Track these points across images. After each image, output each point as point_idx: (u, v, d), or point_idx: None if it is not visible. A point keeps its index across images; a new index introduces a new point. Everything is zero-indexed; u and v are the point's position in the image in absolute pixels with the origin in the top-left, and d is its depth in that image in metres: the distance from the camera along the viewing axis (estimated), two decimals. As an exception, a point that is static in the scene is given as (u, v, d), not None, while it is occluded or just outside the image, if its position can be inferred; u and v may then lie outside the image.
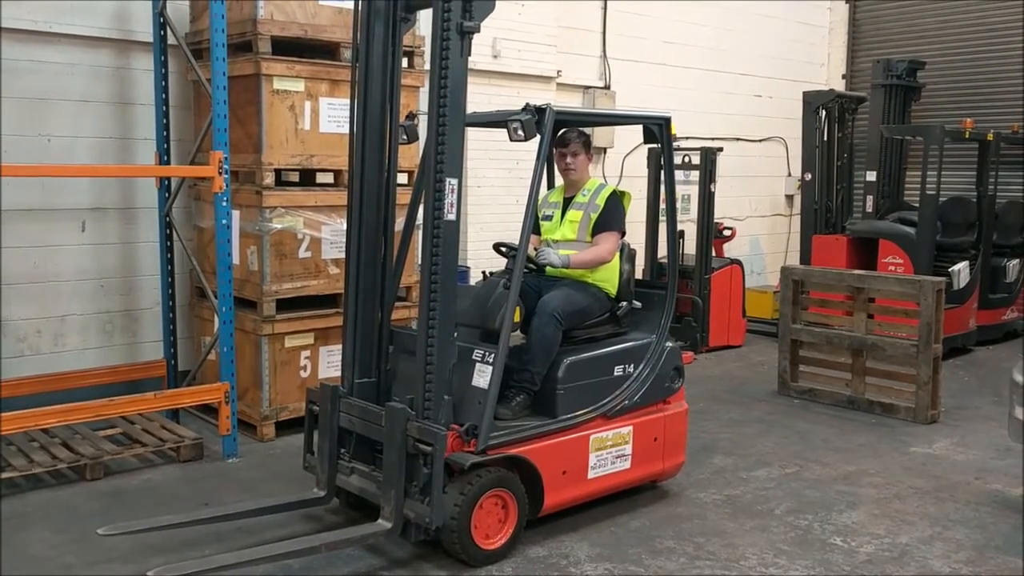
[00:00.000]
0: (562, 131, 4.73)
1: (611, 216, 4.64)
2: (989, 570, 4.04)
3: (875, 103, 9.68)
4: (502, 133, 4.20)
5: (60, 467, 4.94)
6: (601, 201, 4.64)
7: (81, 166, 5.80)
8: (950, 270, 8.41)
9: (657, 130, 4.76)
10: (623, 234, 4.71)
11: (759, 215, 10.83)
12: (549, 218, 4.80)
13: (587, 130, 4.91)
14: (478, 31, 3.96)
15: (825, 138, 9.56)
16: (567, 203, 4.76)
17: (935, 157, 8.38)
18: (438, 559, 3.98)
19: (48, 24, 5.63)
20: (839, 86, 11.30)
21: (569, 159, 4.69)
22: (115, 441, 5.38)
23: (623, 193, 4.77)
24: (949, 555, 4.19)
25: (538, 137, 4.14)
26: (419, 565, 3.96)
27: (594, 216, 4.62)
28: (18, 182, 5.54)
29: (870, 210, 9.24)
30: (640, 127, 4.89)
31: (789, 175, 10.94)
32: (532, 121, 4.08)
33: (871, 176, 9.41)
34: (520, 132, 4.06)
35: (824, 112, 9.49)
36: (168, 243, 5.97)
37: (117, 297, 6.13)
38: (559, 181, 4.99)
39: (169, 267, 5.98)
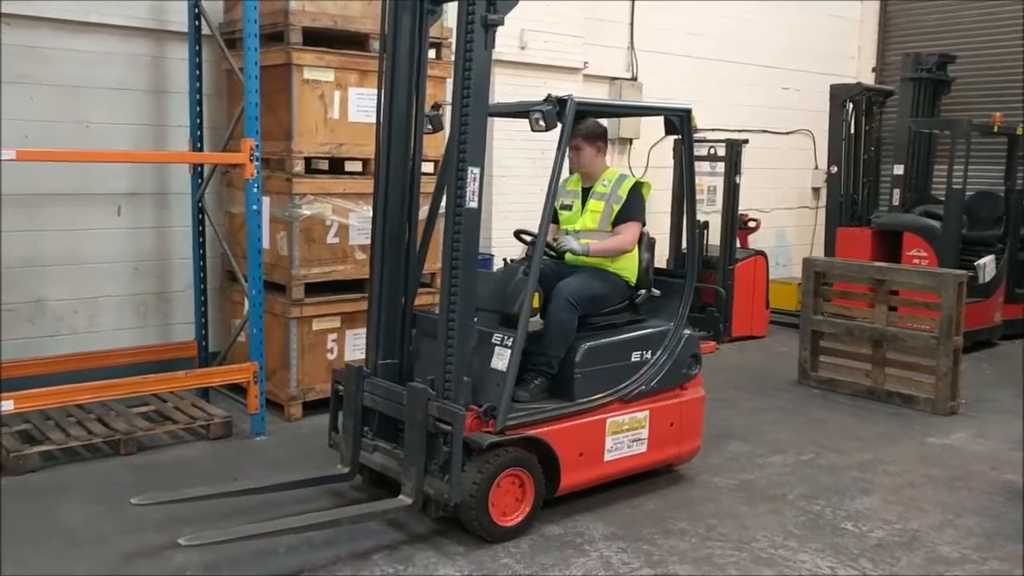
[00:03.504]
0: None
1: (633, 207, 4.73)
2: (997, 556, 4.10)
3: (904, 96, 9.66)
4: (526, 123, 4.30)
5: (95, 441, 5.13)
6: (624, 192, 4.74)
7: (117, 152, 5.98)
8: (976, 264, 8.41)
9: (678, 121, 4.84)
10: (644, 224, 4.79)
11: (785, 207, 10.85)
12: (568, 207, 4.89)
13: (602, 122, 4.97)
14: (502, 24, 4.07)
15: (852, 131, 9.57)
16: (586, 193, 4.85)
17: (962, 151, 8.37)
18: (457, 535, 4.11)
19: (87, 14, 5.80)
20: (869, 79, 11.28)
21: (571, 153, 4.77)
22: (147, 418, 5.56)
23: (644, 184, 4.85)
24: (959, 541, 4.26)
25: (559, 127, 4.24)
26: (438, 541, 4.10)
27: (616, 207, 4.72)
28: (56, 167, 5.73)
29: (897, 203, 9.24)
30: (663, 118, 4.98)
31: (816, 168, 10.94)
32: (553, 112, 4.17)
33: (899, 170, 9.41)
34: (541, 123, 4.15)
35: (851, 105, 9.49)
36: (200, 228, 6.14)
37: (151, 280, 6.32)
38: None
39: (201, 251, 6.16)
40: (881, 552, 4.12)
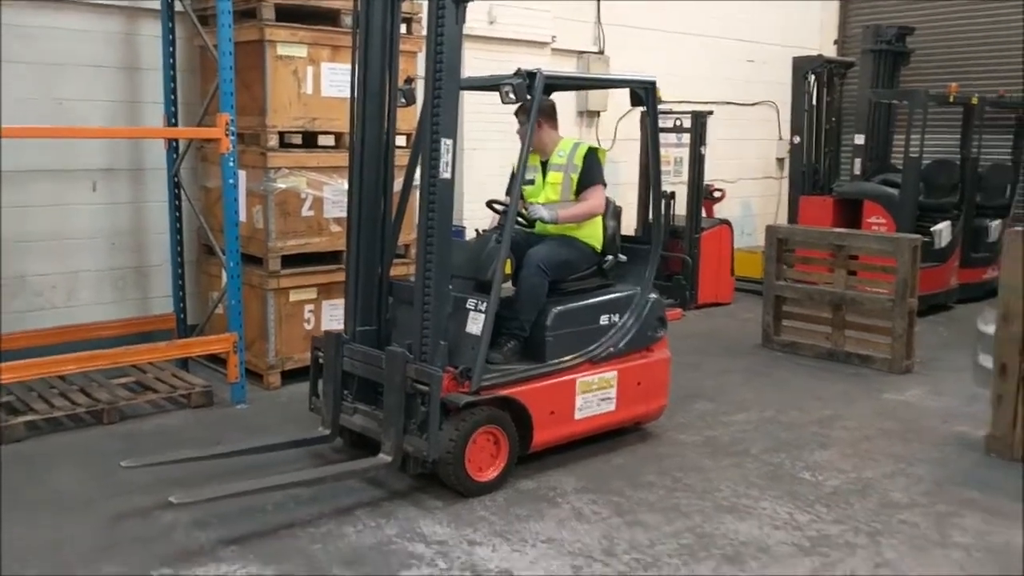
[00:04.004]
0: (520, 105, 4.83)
1: (592, 172, 4.90)
2: (944, 501, 4.36)
3: (865, 68, 9.89)
4: (496, 97, 4.44)
5: (79, 412, 5.25)
6: (579, 160, 4.90)
7: (96, 128, 6.06)
8: (932, 229, 8.69)
9: (643, 93, 5.02)
10: (605, 186, 4.97)
11: (751, 177, 11.08)
12: (531, 182, 5.02)
13: (547, 98, 5.00)
14: (472, -1, 4.21)
15: (814, 102, 9.79)
16: (544, 167, 5.01)
17: (919, 120, 8.62)
18: (435, 490, 4.30)
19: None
20: (832, 51, 11.51)
21: (520, 131, 4.90)
22: (129, 389, 5.69)
23: (599, 149, 5.02)
24: (909, 488, 4.52)
25: (529, 99, 4.40)
26: (417, 496, 4.28)
27: (575, 176, 4.89)
28: (33, 144, 5.78)
29: (858, 172, 9.49)
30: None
31: (780, 139, 11.17)
32: (523, 85, 4.32)
33: (859, 139, 9.65)
34: (511, 95, 4.31)
35: (813, 77, 9.71)
36: (176, 202, 6.24)
37: (128, 254, 6.41)
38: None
39: (178, 225, 6.26)
40: (836, 499, 4.36)
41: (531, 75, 4.39)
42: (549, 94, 5.00)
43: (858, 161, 9.57)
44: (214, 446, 4.67)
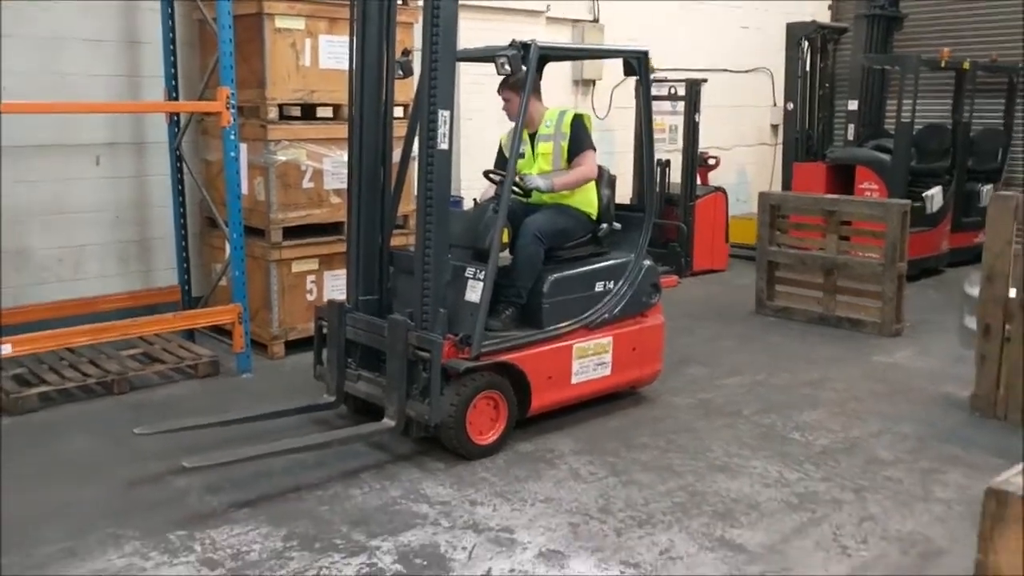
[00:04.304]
0: (504, 79, 4.88)
1: (581, 138, 5.00)
2: (927, 457, 4.52)
3: (858, 33, 9.96)
4: (492, 68, 4.53)
5: (89, 383, 5.38)
6: (567, 128, 4.99)
7: (98, 103, 6.13)
8: (924, 195, 8.80)
9: (636, 63, 5.11)
10: (595, 150, 5.06)
11: (745, 144, 11.15)
12: (522, 155, 5.11)
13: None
14: (467, -28, 4.28)
15: (807, 69, 9.84)
16: (533, 139, 5.09)
17: (911, 86, 8.71)
18: (437, 453, 4.46)
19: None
20: (825, 17, 11.53)
21: (505, 105, 5.00)
22: (137, 360, 5.82)
23: (584, 115, 5.11)
24: (895, 445, 4.68)
25: (524, 69, 4.49)
26: (420, 459, 4.44)
27: (564, 144, 4.98)
28: (35, 119, 5.85)
29: (852, 138, 9.58)
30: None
31: (775, 105, 11.21)
32: (518, 56, 4.41)
33: (853, 105, 9.72)
34: (507, 67, 4.41)
35: (807, 43, 9.76)
36: (179, 176, 6.33)
37: (132, 227, 6.52)
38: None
39: (180, 198, 6.36)
40: (824, 457, 4.52)
41: (526, 46, 4.48)
42: (544, 65, 5.10)
43: (851, 127, 9.66)
44: (223, 414, 4.80)
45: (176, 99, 6.25)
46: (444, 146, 4.32)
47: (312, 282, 6.24)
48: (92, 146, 6.26)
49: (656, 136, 9.62)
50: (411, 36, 6.31)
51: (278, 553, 3.52)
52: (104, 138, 6.30)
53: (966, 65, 9.21)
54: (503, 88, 4.98)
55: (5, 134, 5.76)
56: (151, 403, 5.27)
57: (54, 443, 4.65)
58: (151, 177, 6.51)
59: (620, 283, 5.05)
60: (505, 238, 4.64)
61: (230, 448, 4.29)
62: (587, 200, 5.07)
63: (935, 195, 8.89)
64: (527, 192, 4.96)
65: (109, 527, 3.71)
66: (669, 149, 9.40)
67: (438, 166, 4.32)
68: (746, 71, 10.89)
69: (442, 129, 4.30)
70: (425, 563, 3.45)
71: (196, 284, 6.59)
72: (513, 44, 4.46)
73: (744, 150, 11.17)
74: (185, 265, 6.46)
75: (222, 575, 3.36)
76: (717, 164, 9.73)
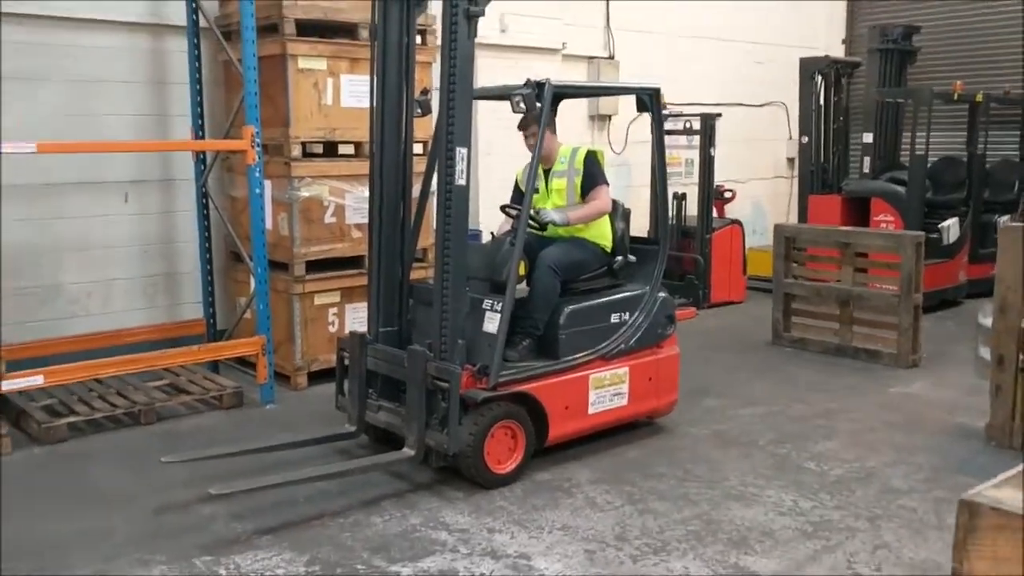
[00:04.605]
0: (522, 117, 5.03)
1: (594, 173, 5.13)
2: (942, 487, 4.55)
3: (871, 67, 10.06)
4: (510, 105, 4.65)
5: (117, 413, 5.51)
6: (580, 164, 5.13)
7: (127, 142, 6.34)
8: (940, 226, 8.85)
9: (648, 99, 5.23)
10: (608, 185, 5.18)
11: (761, 177, 11.25)
12: (536, 191, 5.24)
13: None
14: (483, 15, 4.43)
15: (822, 102, 9.95)
16: (547, 175, 5.22)
17: (924, 118, 8.79)
18: (456, 482, 4.54)
19: (91, 11, 6.13)
20: (840, 51, 11.67)
21: (525, 140, 5.14)
22: (163, 391, 5.95)
23: (597, 151, 5.24)
24: (909, 475, 4.71)
25: (539, 107, 4.62)
26: (439, 488, 4.52)
27: (578, 180, 5.11)
28: (67, 157, 6.04)
29: (867, 170, 9.65)
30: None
31: (790, 138, 11.33)
32: (532, 95, 4.55)
33: (868, 138, 9.79)
34: (521, 104, 4.54)
35: (820, 77, 9.88)
36: (204, 211, 6.51)
37: (159, 262, 6.69)
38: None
39: (206, 234, 6.53)
40: (839, 487, 4.57)
41: (540, 85, 4.62)
42: (558, 103, 5.23)
43: (867, 159, 9.72)
44: (247, 443, 4.90)
45: (202, 138, 6.44)
46: (462, 182, 4.45)
47: (334, 314, 6.37)
48: (121, 183, 6.45)
49: (672, 170, 9.84)
50: (430, 74, 6.48)
51: (301, 579, 3.61)
52: (133, 175, 6.49)
53: (979, 97, 9.29)
54: (526, 125, 5.10)
55: (40, 173, 5.95)
56: (177, 433, 5.39)
57: (84, 472, 4.77)
58: (178, 213, 6.69)
59: (635, 314, 5.14)
60: (522, 271, 4.76)
61: (255, 476, 4.38)
62: (602, 233, 5.18)
63: (951, 226, 8.94)
64: (543, 226, 5.07)
65: (137, 552, 3.82)
66: (685, 183, 9.51)
67: (456, 201, 4.45)
68: (761, 105, 11.02)
69: (460, 166, 4.43)
70: (444, 589, 3.53)
71: (221, 317, 6.73)
72: (528, 83, 4.60)
73: (761, 183, 11.27)
74: (210, 299, 6.61)
75: (246, 600, 3.45)
76: (733, 197, 9.83)
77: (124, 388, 5.84)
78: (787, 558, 3.79)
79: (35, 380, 5.10)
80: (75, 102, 6.17)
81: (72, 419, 5.36)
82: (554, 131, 5.29)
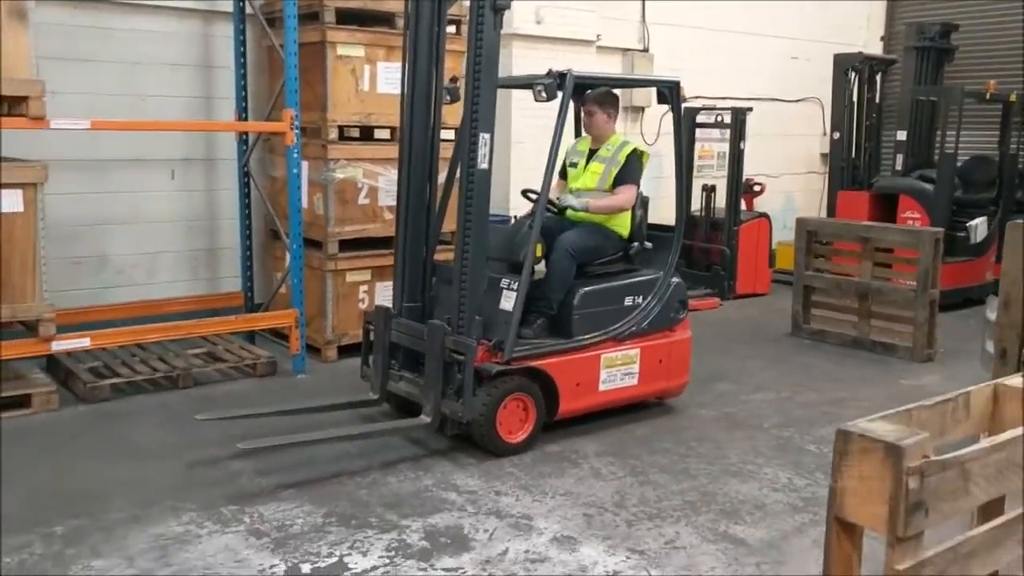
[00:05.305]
0: (587, 92, 5.41)
1: (630, 171, 5.35)
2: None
3: (907, 65, 10.10)
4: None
5: (157, 377, 5.86)
6: (622, 157, 5.35)
7: (173, 122, 6.68)
8: (968, 224, 8.92)
9: (668, 92, 5.44)
10: (639, 186, 5.40)
11: (793, 172, 11.33)
12: (575, 165, 5.52)
13: (615, 91, 5.56)
14: (508, 8, 4.67)
15: (854, 99, 10.03)
16: (591, 154, 5.47)
17: (954, 117, 8.85)
18: (469, 450, 4.81)
19: (143, -3, 6.50)
20: (878, 48, 11.70)
21: (584, 117, 5.40)
22: (201, 358, 6.29)
23: (643, 153, 5.45)
24: (906, 460, 4.87)
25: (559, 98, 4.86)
26: (453, 454, 4.79)
27: (614, 170, 5.34)
28: (118, 135, 6.38)
29: (900, 168, 9.72)
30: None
31: (824, 134, 11.35)
32: (553, 85, 4.78)
33: (901, 135, 9.85)
34: (543, 94, 4.77)
35: (854, 74, 9.95)
36: (246, 190, 6.84)
37: (201, 237, 7.04)
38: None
39: (247, 211, 6.87)
40: (836, 467, 4.75)
41: (561, 75, 4.84)
42: (580, 93, 5.45)
43: (900, 157, 9.79)
44: (277, 406, 5.22)
45: (245, 119, 6.76)
46: (484, 166, 4.70)
47: (364, 292, 6.67)
48: (168, 161, 6.81)
49: (704, 162, 10.02)
50: (461, 64, 6.72)
51: (318, 527, 3.90)
52: (179, 154, 6.84)
53: (1012, 97, 9.31)
54: (588, 102, 5.36)
55: (93, 150, 6.32)
56: (212, 397, 5.72)
57: (124, 428, 5.12)
58: (220, 191, 7.03)
59: (649, 298, 5.35)
60: (539, 252, 5.00)
61: (281, 436, 4.68)
62: (620, 221, 5.39)
63: (979, 225, 8.99)
64: (561, 210, 5.31)
65: (169, 500, 4.14)
66: (717, 175, 9.66)
67: (478, 184, 4.70)
68: (796, 100, 11.10)
69: (483, 151, 4.68)
70: (449, 541, 3.80)
71: (258, 291, 7.06)
72: (550, 73, 4.83)
73: (793, 178, 11.36)
74: (249, 273, 6.94)
75: (267, 543, 3.75)
76: (762, 191, 9.96)
77: (164, 354, 6.19)
78: (775, 529, 4.01)
79: (82, 342, 5.46)
80: (127, 83, 6.53)
81: (115, 380, 5.71)
82: (613, 117, 5.53)
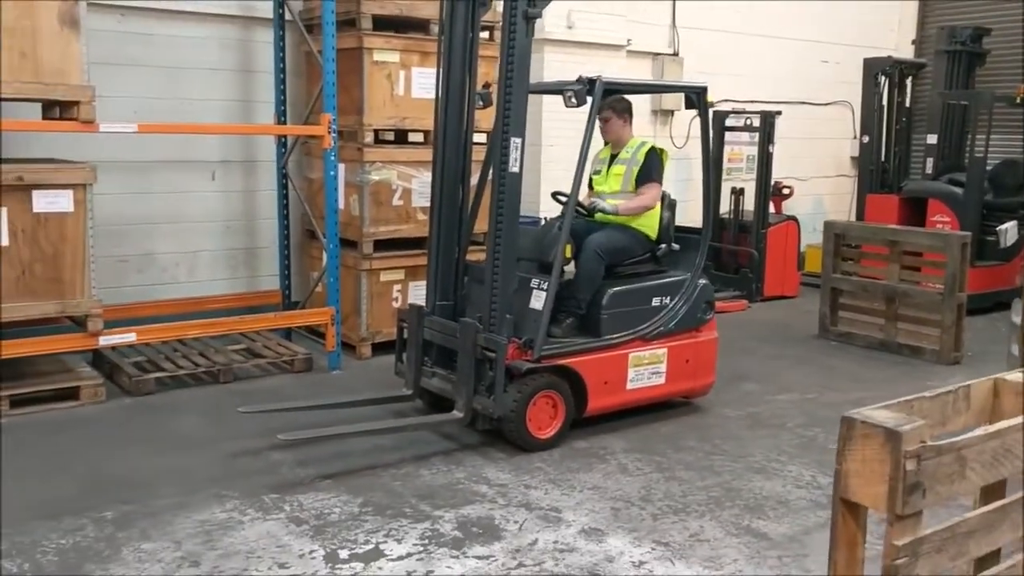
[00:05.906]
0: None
1: (651, 169, 5.48)
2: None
3: (938, 69, 10.11)
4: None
5: (199, 371, 6.08)
6: (641, 156, 5.49)
7: (214, 125, 6.88)
8: (997, 229, 8.93)
9: (695, 97, 5.56)
10: (661, 184, 5.53)
11: (823, 175, 11.37)
12: (598, 172, 5.67)
13: (626, 98, 5.69)
14: (540, 16, 4.82)
15: (884, 102, 10.06)
16: (612, 159, 5.62)
17: (985, 121, 8.87)
18: (500, 445, 4.95)
19: (186, 4, 6.70)
20: (909, 51, 11.70)
21: (600, 124, 5.54)
22: (240, 354, 6.49)
23: (661, 150, 5.58)
24: (928, 460, 4.95)
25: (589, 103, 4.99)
26: (484, 449, 4.94)
27: (635, 169, 5.47)
28: (161, 138, 6.64)
29: (930, 171, 9.74)
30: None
31: (854, 137, 11.39)
32: (583, 90, 4.92)
33: (932, 139, 9.87)
34: (573, 100, 4.92)
35: (884, 78, 9.98)
36: (284, 191, 7.04)
37: (241, 236, 7.25)
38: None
39: (284, 212, 7.07)
40: (859, 466, 4.84)
41: (591, 81, 4.98)
42: (609, 97, 5.57)
43: (930, 160, 9.82)
44: (314, 400, 5.40)
45: (284, 123, 6.96)
46: (515, 169, 4.85)
47: (398, 291, 6.84)
48: (208, 163, 7.02)
49: (733, 165, 10.09)
50: (494, 70, 6.87)
51: (355, 516, 4.06)
52: (219, 156, 7.06)
53: (1043, 102, 9.31)
54: (605, 110, 5.48)
55: (138, 152, 6.55)
56: (251, 391, 5.91)
57: (168, 420, 5.33)
58: (259, 192, 7.24)
59: (676, 299, 5.47)
60: (568, 253, 5.13)
61: (319, 429, 4.86)
62: (648, 222, 5.52)
63: (1009, 229, 9.00)
64: (591, 212, 5.44)
65: (213, 488, 4.33)
66: (746, 178, 9.73)
67: (509, 187, 4.85)
68: (826, 104, 11.14)
69: (514, 154, 4.83)
70: (480, 531, 3.95)
71: (295, 289, 7.27)
72: (580, 79, 4.97)
73: (823, 181, 11.39)
74: (286, 272, 7.15)
75: (306, 530, 3.92)
76: (791, 194, 10.02)
77: (206, 350, 6.40)
78: (797, 524, 4.12)
79: (128, 337, 5.68)
80: (170, 87, 6.75)
81: (159, 375, 5.93)
82: (628, 121, 5.68)
